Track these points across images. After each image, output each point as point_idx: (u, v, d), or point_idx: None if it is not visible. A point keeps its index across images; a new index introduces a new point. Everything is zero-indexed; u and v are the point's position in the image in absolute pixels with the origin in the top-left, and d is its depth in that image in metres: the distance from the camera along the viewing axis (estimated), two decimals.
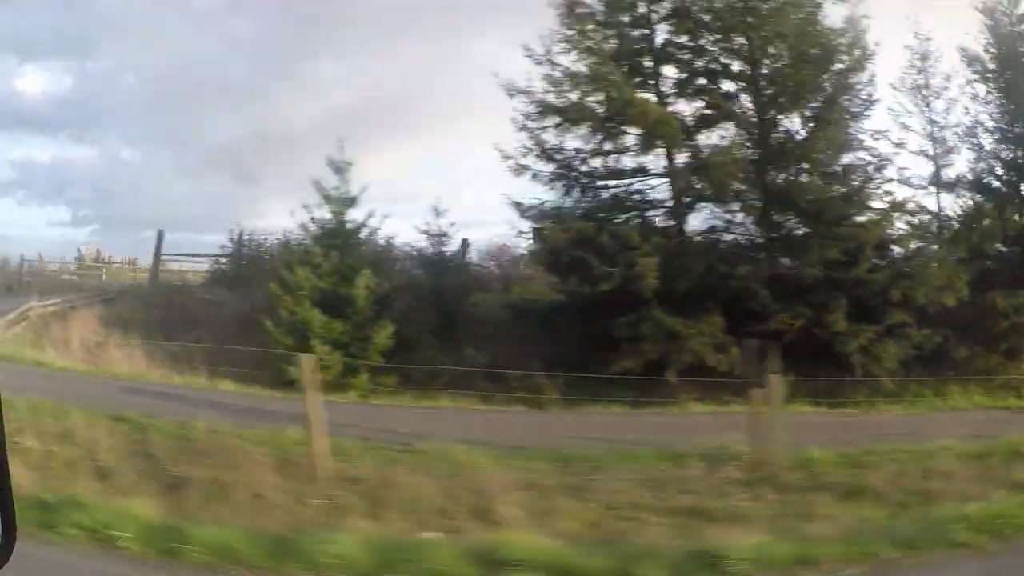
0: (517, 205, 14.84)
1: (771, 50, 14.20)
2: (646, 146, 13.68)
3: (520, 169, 14.23)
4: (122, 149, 48.76)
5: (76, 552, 5.31)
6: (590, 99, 13.82)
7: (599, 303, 13.26)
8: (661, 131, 13.23)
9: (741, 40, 14.24)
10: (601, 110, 13.66)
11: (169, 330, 15.61)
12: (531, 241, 15.14)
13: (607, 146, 14.53)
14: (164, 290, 20.14)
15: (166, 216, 42.99)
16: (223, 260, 20.15)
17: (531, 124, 14.39)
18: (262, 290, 16.63)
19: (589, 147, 14.38)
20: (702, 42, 14.49)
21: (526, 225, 14.95)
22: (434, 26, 43.42)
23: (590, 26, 14.01)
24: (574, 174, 14.42)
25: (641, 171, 14.63)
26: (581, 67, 13.89)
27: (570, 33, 14.01)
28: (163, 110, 43.96)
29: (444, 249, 15.24)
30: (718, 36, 14.38)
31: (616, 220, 13.96)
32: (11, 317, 16.45)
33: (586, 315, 13.60)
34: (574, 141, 14.47)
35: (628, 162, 14.61)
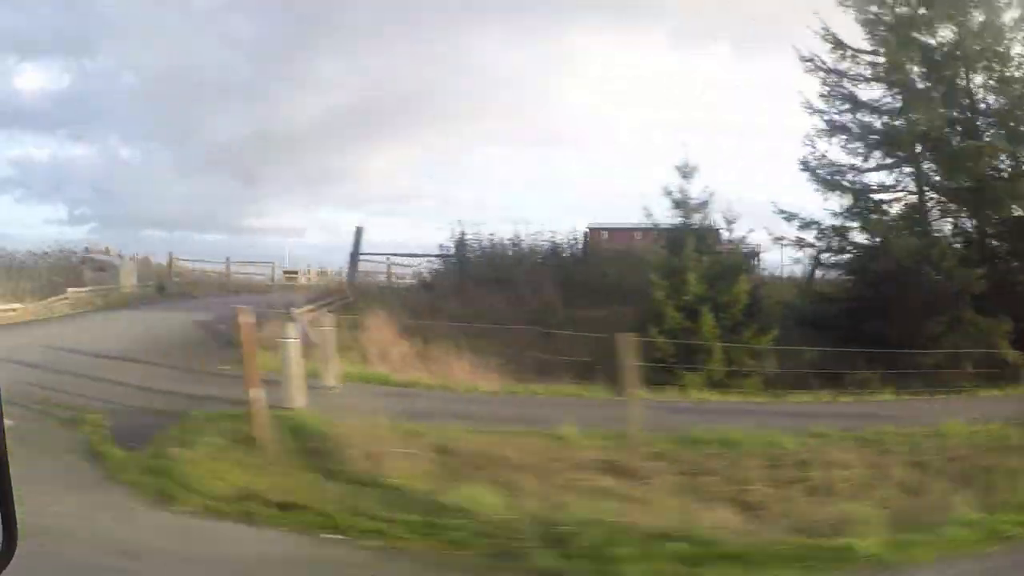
0: (792, 217, 16.47)
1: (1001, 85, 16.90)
2: (951, 168, 15.82)
3: (825, 187, 15.87)
4: (121, 148, 45.06)
5: None
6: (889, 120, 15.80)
7: (900, 305, 15.24)
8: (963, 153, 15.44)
9: (979, 78, 16.85)
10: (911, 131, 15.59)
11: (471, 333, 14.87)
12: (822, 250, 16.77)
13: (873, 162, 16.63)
14: (412, 292, 19.12)
15: (165, 215, 40.44)
16: (444, 259, 19.64)
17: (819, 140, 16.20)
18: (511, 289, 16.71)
19: (870, 164, 16.37)
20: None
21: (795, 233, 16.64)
22: (434, 26, 43.33)
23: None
24: (858, 189, 16.31)
25: (887, 186, 16.89)
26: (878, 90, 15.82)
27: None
28: (162, 109, 41.42)
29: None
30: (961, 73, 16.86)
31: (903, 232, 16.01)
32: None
33: (880, 316, 15.49)
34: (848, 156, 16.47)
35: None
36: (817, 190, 16.57)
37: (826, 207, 16.83)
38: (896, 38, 15.97)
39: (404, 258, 21.51)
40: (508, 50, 45.57)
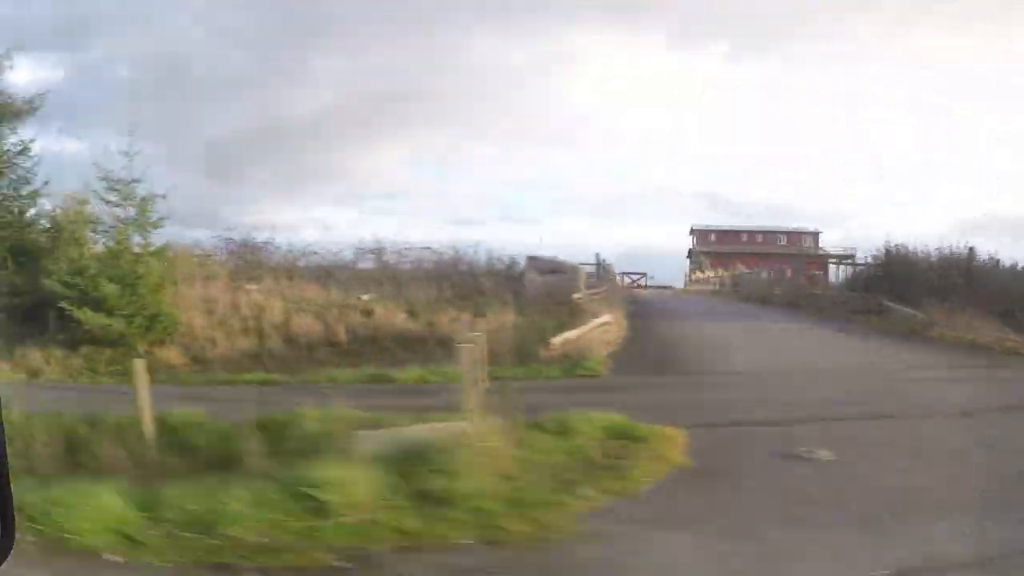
0: None
1: None
2: None
3: None
4: (112, 142, 36.81)
5: None
6: None
7: None
8: None
9: None
10: None
11: None
12: None
13: None
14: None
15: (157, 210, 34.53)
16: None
17: None
18: None
19: None
20: None
21: None
22: (430, 23, 41.81)
23: None
24: None
25: None
26: None
27: None
28: (155, 104, 37.15)
29: None
30: None
31: None
32: None
33: None
34: None
35: None
36: None
37: None
38: None
39: None
40: (506, 49, 45.09)
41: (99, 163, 14.55)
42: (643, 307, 21.04)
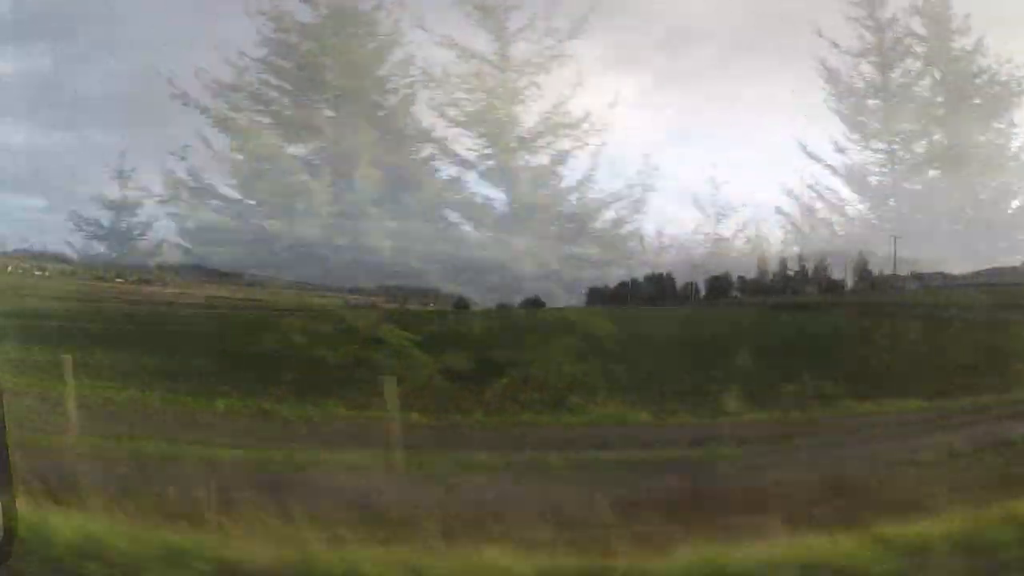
0: None
1: None
2: None
3: None
4: (99, 135, 40.31)
5: None
6: None
7: None
8: None
9: None
10: None
11: None
12: None
13: None
14: None
15: None
16: None
17: None
18: None
19: None
20: None
21: None
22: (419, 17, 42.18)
23: None
24: None
25: None
26: None
27: None
28: (144, 96, 38.52)
29: None
30: None
31: None
32: None
33: None
34: None
35: None
36: None
37: None
38: None
39: None
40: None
41: None
42: None
